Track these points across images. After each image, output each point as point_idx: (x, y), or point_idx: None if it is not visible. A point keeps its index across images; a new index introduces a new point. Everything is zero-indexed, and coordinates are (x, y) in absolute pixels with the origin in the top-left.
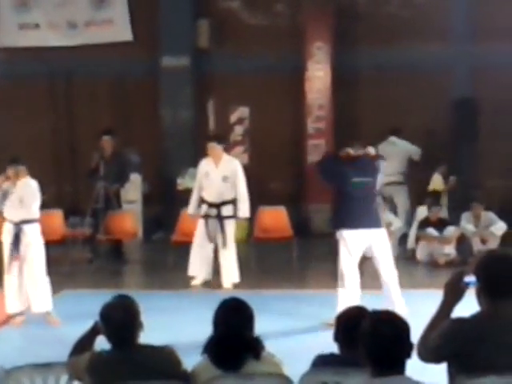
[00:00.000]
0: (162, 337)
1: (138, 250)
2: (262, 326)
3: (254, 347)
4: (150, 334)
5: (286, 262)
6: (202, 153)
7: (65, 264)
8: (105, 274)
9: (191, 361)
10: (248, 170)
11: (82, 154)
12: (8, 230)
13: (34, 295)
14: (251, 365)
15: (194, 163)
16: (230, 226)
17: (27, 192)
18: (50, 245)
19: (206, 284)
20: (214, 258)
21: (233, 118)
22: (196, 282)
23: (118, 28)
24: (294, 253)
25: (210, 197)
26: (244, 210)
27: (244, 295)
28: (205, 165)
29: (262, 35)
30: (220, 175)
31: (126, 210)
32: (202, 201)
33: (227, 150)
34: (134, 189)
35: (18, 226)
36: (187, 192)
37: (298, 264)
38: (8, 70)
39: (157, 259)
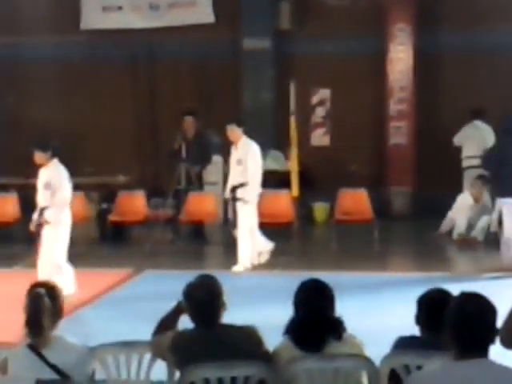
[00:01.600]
0: (243, 317)
1: (218, 232)
2: (342, 307)
3: (335, 328)
4: (232, 314)
5: (367, 244)
6: (282, 135)
7: (147, 244)
8: (186, 254)
9: (272, 341)
10: (329, 152)
11: (164, 136)
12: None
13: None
14: (333, 346)
15: (275, 145)
16: (242, 209)
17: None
18: (132, 225)
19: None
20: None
21: (314, 99)
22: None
23: (200, 10)
24: (374, 235)
25: (230, 179)
26: (249, 191)
27: (324, 276)
28: (232, 150)
29: (344, 16)
30: (235, 158)
31: (207, 191)
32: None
33: (309, 131)
34: (215, 170)
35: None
36: (268, 174)
37: (379, 246)
38: (91, 52)
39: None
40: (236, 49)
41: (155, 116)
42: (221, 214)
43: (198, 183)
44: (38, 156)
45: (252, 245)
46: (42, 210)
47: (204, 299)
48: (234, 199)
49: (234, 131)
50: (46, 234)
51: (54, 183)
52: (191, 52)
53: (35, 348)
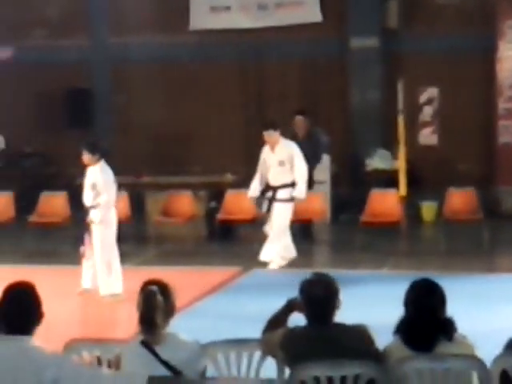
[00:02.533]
0: (354, 316)
1: (326, 231)
2: (452, 307)
3: (446, 328)
4: (342, 313)
5: (476, 243)
6: (390, 133)
7: (255, 243)
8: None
9: (383, 341)
10: (437, 151)
11: None
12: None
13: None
14: (443, 346)
15: (383, 144)
16: (281, 209)
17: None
18: (240, 224)
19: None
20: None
21: (422, 98)
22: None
23: (307, 9)
24: (483, 235)
25: (269, 181)
26: (300, 190)
27: (433, 276)
28: (265, 150)
29: (452, 14)
30: (276, 160)
31: (315, 190)
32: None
33: (416, 130)
34: (323, 169)
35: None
36: (376, 173)
37: (488, 246)
38: (199, 52)
39: (345, 240)
40: (343, 48)
41: (263, 115)
42: (328, 213)
43: (307, 182)
44: (86, 157)
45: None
46: (88, 209)
47: (321, 296)
48: (274, 199)
49: (271, 136)
50: (95, 234)
51: (100, 184)
52: (299, 51)
53: (148, 344)
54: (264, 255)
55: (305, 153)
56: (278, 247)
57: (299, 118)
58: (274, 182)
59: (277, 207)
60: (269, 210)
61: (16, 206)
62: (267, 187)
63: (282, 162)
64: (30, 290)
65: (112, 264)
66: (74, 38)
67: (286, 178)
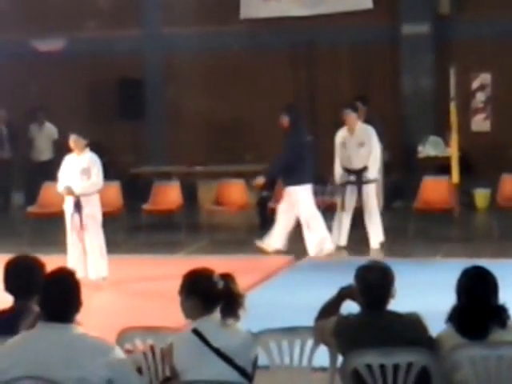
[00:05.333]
0: (406, 304)
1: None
2: (505, 294)
3: (499, 316)
4: (395, 301)
5: None
6: (442, 120)
7: None
8: (348, 241)
9: (435, 329)
10: (489, 138)
11: (323, 122)
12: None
13: (94, 263)
14: (497, 333)
15: (434, 131)
16: (371, 190)
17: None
18: None
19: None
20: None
21: (474, 84)
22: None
23: None
24: None
25: (350, 164)
26: (372, 171)
27: (486, 263)
28: (340, 135)
29: None
30: (355, 142)
31: None
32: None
33: (469, 116)
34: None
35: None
36: (428, 160)
37: None
38: (251, 41)
39: (397, 227)
40: (395, 34)
41: (314, 103)
42: (381, 200)
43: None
44: (76, 142)
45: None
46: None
47: (377, 283)
48: (361, 182)
49: (350, 116)
50: (88, 220)
51: (90, 169)
52: (350, 39)
53: (199, 332)
54: (374, 242)
55: None
56: (379, 226)
57: (358, 105)
58: (355, 165)
59: (366, 190)
60: (358, 193)
61: None
62: (346, 171)
63: (362, 143)
64: (71, 278)
65: (103, 247)
66: (125, 28)
67: (367, 160)
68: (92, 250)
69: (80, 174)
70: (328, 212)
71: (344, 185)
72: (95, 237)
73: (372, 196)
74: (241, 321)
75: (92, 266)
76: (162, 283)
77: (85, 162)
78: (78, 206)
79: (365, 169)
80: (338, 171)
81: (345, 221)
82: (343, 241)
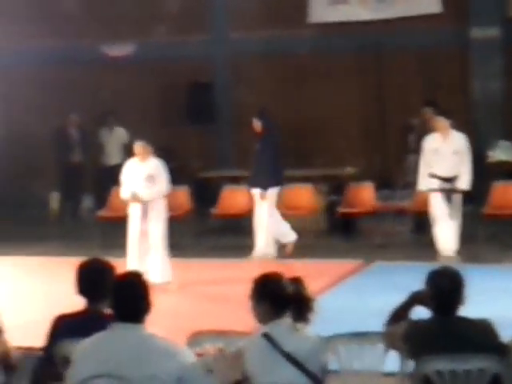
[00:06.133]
0: (476, 310)
1: None
2: None
3: None
4: (465, 307)
5: None
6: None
7: (376, 236)
8: (417, 246)
9: (506, 335)
10: None
11: (391, 127)
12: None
13: (158, 267)
14: None
15: (505, 135)
16: (460, 200)
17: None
18: (360, 217)
19: None
20: None
21: None
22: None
23: (426, 0)
24: None
25: (442, 171)
26: (464, 181)
27: None
28: (432, 141)
29: None
30: (450, 149)
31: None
32: (433, 176)
33: None
34: None
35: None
36: (498, 165)
37: None
38: (318, 45)
39: (468, 232)
40: (463, 38)
41: (382, 107)
42: None
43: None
44: (143, 148)
45: None
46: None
47: (448, 288)
48: (452, 190)
49: (442, 123)
50: (153, 225)
51: (156, 176)
52: (418, 42)
53: (270, 337)
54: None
55: None
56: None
57: (428, 110)
58: (447, 173)
59: (456, 199)
60: (448, 201)
61: None
62: (437, 178)
63: (457, 151)
64: (140, 280)
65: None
66: (194, 33)
67: (458, 169)
68: (155, 254)
69: (145, 181)
70: (397, 217)
71: (438, 192)
72: (159, 241)
73: (460, 206)
74: (311, 325)
75: (156, 270)
76: (230, 287)
77: (150, 168)
78: (144, 212)
79: (456, 177)
80: (422, 177)
81: (446, 228)
82: (454, 246)
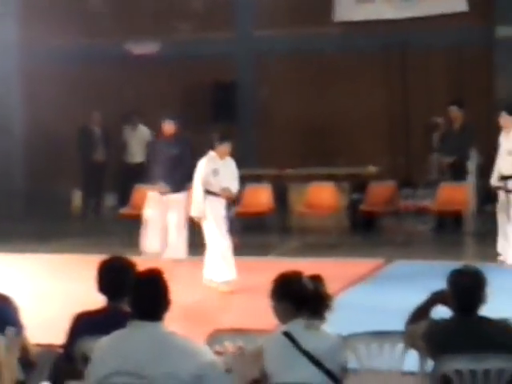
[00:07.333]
0: (497, 309)
1: (472, 222)
2: None
3: None
4: (486, 307)
5: None
6: None
7: (398, 235)
8: (438, 245)
9: None
10: None
11: (416, 126)
12: None
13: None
14: None
15: None
16: None
17: None
18: (383, 216)
19: None
20: None
21: None
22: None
23: None
24: None
25: (502, 169)
26: None
27: None
28: (500, 138)
29: None
30: (507, 147)
31: (460, 181)
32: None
33: None
34: (470, 160)
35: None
36: None
37: None
38: (343, 44)
39: (491, 231)
40: (489, 37)
41: (407, 106)
42: (474, 204)
43: (452, 174)
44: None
45: None
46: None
47: (469, 287)
48: (507, 190)
49: (505, 119)
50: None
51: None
52: (443, 41)
53: (290, 335)
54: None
55: (453, 144)
56: None
57: (454, 109)
58: (505, 171)
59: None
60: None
61: None
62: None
63: (511, 151)
64: (160, 277)
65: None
66: (218, 31)
67: None
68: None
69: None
70: (419, 216)
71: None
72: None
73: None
74: (327, 322)
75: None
76: (253, 285)
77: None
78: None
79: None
80: (495, 175)
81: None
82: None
